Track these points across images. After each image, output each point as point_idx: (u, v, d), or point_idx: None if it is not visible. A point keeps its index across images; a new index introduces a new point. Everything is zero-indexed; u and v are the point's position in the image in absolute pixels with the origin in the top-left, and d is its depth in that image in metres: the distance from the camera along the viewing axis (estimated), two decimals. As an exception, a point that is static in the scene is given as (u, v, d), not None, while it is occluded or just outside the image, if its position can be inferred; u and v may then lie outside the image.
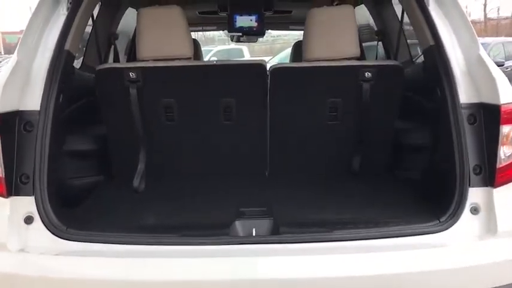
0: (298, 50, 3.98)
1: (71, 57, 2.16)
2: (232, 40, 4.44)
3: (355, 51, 2.32)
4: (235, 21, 3.47)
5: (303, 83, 2.33)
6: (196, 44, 4.04)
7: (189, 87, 2.33)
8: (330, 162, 2.53)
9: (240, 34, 3.69)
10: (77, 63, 3.20)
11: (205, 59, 9.51)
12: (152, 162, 2.43)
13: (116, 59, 3.44)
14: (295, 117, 2.42)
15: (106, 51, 3.26)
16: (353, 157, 2.49)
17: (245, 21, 3.48)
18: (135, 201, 2.26)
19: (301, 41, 4.06)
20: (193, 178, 2.46)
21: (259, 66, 2.29)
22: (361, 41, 2.77)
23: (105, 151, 2.49)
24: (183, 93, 2.34)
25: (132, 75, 2.25)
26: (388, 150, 2.52)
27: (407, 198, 2.24)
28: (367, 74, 2.28)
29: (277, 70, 2.30)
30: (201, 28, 4.99)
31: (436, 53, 2.04)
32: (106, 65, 2.30)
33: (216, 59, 10.19)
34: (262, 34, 3.79)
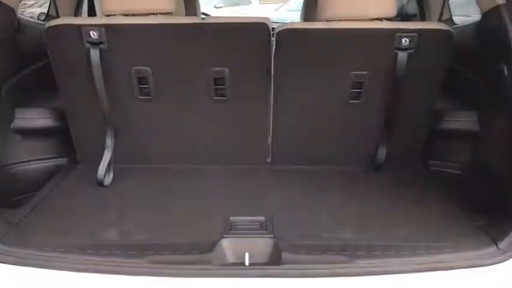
0: (312, 5, 3.35)
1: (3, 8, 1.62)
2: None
3: (389, 9, 1.74)
4: None
5: (318, 49, 1.77)
6: None
7: (169, 52, 1.78)
8: (349, 152, 2.01)
9: None
10: (42, 14, 2.64)
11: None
12: (122, 147, 1.92)
13: (92, 10, 2.85)
14: (307, 94, 1.87)
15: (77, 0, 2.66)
16: (378, 146, 1.96)
17: None
18: (97, 200, 1.77)
19: None
20: (173, 171, 1.96)
21: (261, 26, 1.73)
22: None
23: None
24: (161, 59, 1.80)
25: (93, 34, 1.71)
26: (422, 137, 1.99)
27: (447, 203, 1.73)
28: (405, 41, 1.71)
29: (285, 32, 1.73)
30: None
31: (508, 17, 1.47)
32: (57, 21, 1.74)
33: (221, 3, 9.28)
34: None
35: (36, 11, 3.90)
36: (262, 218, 1.57)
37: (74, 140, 1.99)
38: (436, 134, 2.00)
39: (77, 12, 2.58)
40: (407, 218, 1.62)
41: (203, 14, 4.50)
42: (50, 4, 2.53)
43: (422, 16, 2.78)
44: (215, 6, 9.14)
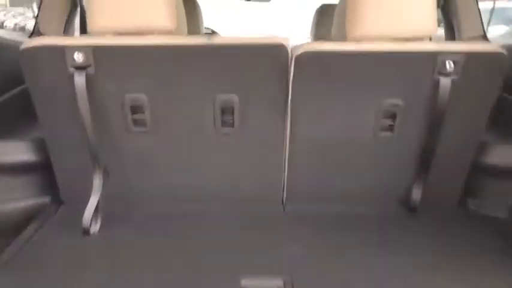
0: (324, 18, 3.07)
1: None
2: (240, -1, 3.60)
3: (430, 26, 1.46)
4: None
5: (345, 74, 1.49)
6: (192, 6, 3.17)
7: (169, 76, 1.51)
8: (378, 191, 1.72)
9: None
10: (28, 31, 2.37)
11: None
12: (113, 188, 1.63)
13: (84, 27, 2.58)
14: (330, 124, 1.59)
15: (68, 13, 2.39)
16: (413, 185, 1.68)
17: None
18: (81, 254, 1.48)
19: (328, 4, 3.18)
20: (172, 216, 1.67)
21: (279, 48, 1.46)
22: None
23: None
24: (159, 85, 1.52)
25: (78, 57, 1.44)
26: (464, 175, 1.70)
27: (493, 253, 1.45)
28: (449, 65, 1.44)
29: (306, 55, 1.45)
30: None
31: None
32: (35, 41, 1.46)
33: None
34: None
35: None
36: (280, 282, 1.29)
37: (57, 177, 1.71)
38: (479, 169, 1.72)
39: (67, 29, 2.30)
40: (451, 274, 1.34)
41: (206, 28, 4.25)
42: (36, 18, 2.26)
43: (449, 29, 2.50)
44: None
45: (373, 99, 1.53)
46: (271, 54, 1.47)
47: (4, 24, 13.63)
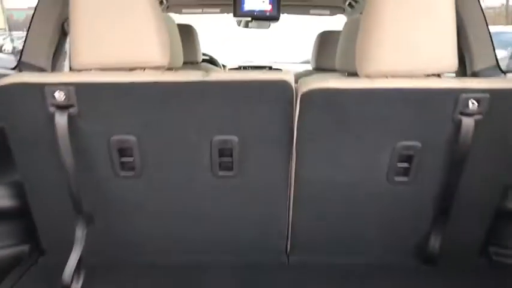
0: (325, 45, 2.95)
1: None
2: (239, 25, 3.49)
3: (451, 62, 1.32)
4: (243, 3, 2.82)
5: (356, 114, 1.35)
6: (189, 32, 3.05)
7: (161, 116, 1.36)
8: (392, 241, 1.56)
9: (249, 19, 2.97)
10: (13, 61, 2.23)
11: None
12: (97, 238, 1.47)
13: None
14: (339, 168, 1.44)
15: (56, 44, 2.25)
16: (430, 233, 1.52)
17: (256, 2, 2.82)
18: None
19: (329, 31, 3.07)
20: (164, 270, 1.50)
21: (282, 84, 1.31)
22: None
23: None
24: (149, 125, 1.37)
25: (59, 95, 1.29)
26: (487, 221, 1.55)
27: None
28: (472, 103, 1.29)
29: (313, 93, 1.31)
30: (200, 10, 4.02)
31: None
32: (10, 78, 1.32)
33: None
34: (277, 19, 2.95)
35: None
36: None
37: (37, 224, 1.54)
38: (503, 216, 1.56)
39: (55, 61, 2.16)
40: None
41: (204, 55, 4.12)
42: (21, 51, 2.12)
43: (460, 60, 2.36)
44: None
45: (387, 140, 1.38)
46: (274, 91, 1.33)
47: (3, 48, 13.58)
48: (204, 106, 1.35)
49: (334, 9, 3.62)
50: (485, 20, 2.13)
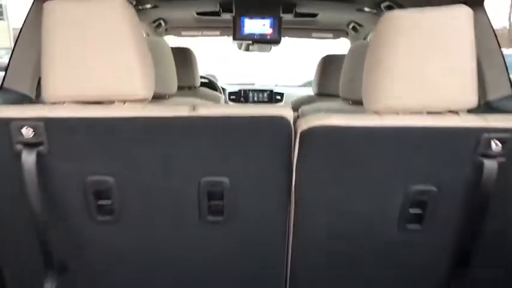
0: (328, 71, 2.81)
1: None
2: (240, 48, 3.38)
3: (471, 98, 1.17)
4: (243, 26, 2.73)
5: (362, 155, 1.19)
6: (186, 56, 2.92)
7: (142, 155, 1.21)
8: None
9: (250, 42, 2.91)
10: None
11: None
12: None
13: None
14: (344, 214, 1.27)
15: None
16: (449, 286, 1.34)
17: (256, 26, 2.74)
18: None
19: (332, 55, 2.94)
20: None
21: (279, 121, 1.16)
22: None
23: None
24: (129, 165, 1.22)
25: (27, 132, 1.14)
26: (510, 272, 1.37)
27: None
28: (495, 144, 1.14)
29: (315, 130, 1.15)
30: (200, 33, 3.92)
31: None
32: None
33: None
34: (278, 42, 2.88)
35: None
36: None
37: (5, 279, 1.38)
38: None
39: (40, 89, 2.03)
40: None
41: (203, 78, 3.99)
42: (4, 76, 1.99)
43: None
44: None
45: (398, 184, 1.22)
46: (270, 128, 1.17)
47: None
48: (191, 144, 1.19)
49: (337, 33, 3.51)
50: (500, 47, 1.99)
